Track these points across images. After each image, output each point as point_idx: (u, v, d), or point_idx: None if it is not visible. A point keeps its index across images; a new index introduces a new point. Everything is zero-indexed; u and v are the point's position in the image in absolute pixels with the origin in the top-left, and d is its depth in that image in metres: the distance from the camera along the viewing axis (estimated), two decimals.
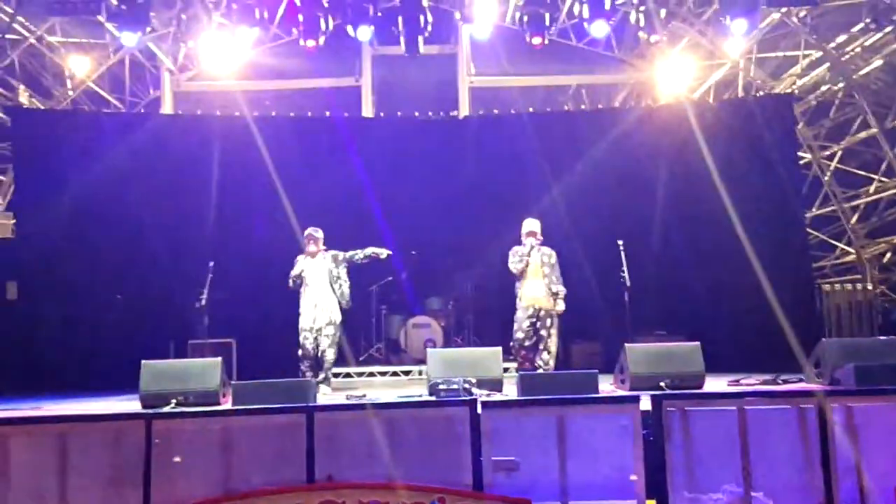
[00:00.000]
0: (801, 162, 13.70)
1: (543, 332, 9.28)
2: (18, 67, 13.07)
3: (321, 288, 9.24)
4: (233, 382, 7.32)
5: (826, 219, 14.31)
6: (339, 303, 9.32)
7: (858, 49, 13.19)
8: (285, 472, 6.29)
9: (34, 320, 11.84)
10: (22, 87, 13.28)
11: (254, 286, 11.56)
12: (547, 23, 12.60)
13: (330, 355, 9.24)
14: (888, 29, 12.41)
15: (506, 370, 8.31)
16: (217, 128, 13.07)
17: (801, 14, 12.91)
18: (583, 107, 15.26)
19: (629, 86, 15.40)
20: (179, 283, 10.82)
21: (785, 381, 8.04)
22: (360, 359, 12.00)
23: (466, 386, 6.92)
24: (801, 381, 8.03)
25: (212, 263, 9.62)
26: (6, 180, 13.48)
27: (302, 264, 9.29)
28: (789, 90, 13.64)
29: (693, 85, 14.71)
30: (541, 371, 9.05)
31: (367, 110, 14.46)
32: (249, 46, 12.85)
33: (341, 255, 9.42)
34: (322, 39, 12.19)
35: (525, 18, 12.55)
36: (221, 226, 12.33)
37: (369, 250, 9.49)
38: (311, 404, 6.76)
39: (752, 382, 8.03)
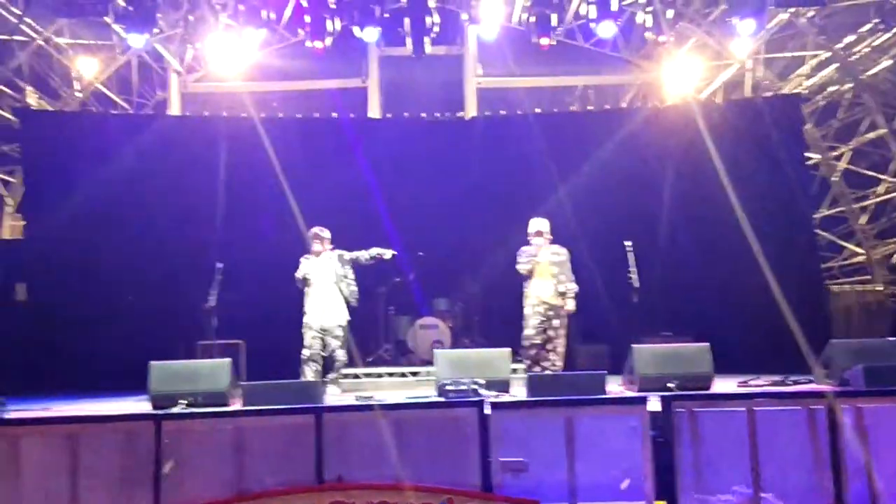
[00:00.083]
0: (810, 162, 13.69)
1: (551, 333, 9.27)
2: (27, 69, 13.12)
3: (327, 288, 9.25)
4: (242, 383, 7.36)
5: (835, 219, 14.28)
6: (347, 301, 9.34)
7: (867, 49, 13.17)
8: (295, 473, 6.32)
9: (43, 321, 11.88)
10: (30, 88, 13.34)
11: (262, 287, 11.57)
12: (554, 23, 12.61)
13: (342, 356, 9.26)
14: None
15: (514, 371, 8.32)
16: (224, 129, 13.12)
17: (809, 14, 12.90)
18: (590, 107, 15.26)
19: (636, 86, 15.38)
20: (188, 285, 10.84)
21: (794, 382, 8.04)
22: (369, 360, 11.98)
23: (474, 387, 6.92)
24: (810, 382, 8.02)
25: (220, 264, 9.64)
26: (15, 182, 13.54)
27: (306, 265, 9.29)
28: (797, 91, 13.62)
29: (700, 85, 14.68)
30: (549, 372, 9.05)
31: (374, 111, 14.47)
32: (256, 48, 12.87)
33: (346, 254, 9.43)
34: (329, 41, 12.22)
35: (532, 19, 12.56)
36: (229, 227, 12.36)
37: (374, 251, 9.51)
38: (320, 405, 6.79)
39: (760, 383, 8.03)
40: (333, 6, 11.98)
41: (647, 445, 6.46)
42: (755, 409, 6.53)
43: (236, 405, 7.08)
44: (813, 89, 13.90)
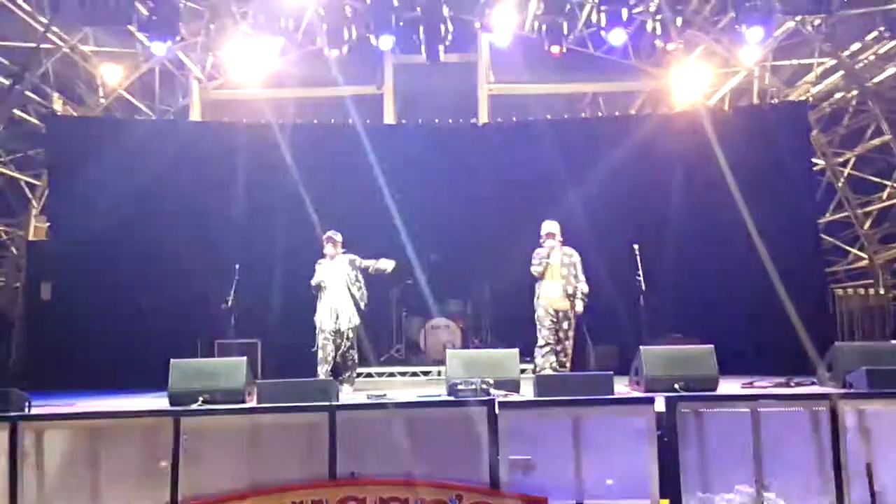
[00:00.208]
0: (815, 168, 13.60)
1: (561, 334, 9.29)
2: (53, 76, 13.21)
3: (340, 290, 9.28)
4: (258, 381, 7.39)
5: (839, 224, 14.20)
6: (358, 304, 9.38)
7: (872, 57, 13.11)
8: (308, 469, 6.35)
9: (67, 320, 11.98)
10: (56, 94, 13.42)
11: (278, 288, 11.63)
12: (565, 31, 12.63)
13: (353, 357, 9.32)
14: None
15: (523, 371, 8.33)
16: (243, 134, 13.18)
17: (816, 22, 12.83)
18: (600, 114, 15.24)
19: (645, 93, 15.37)
20: (207, 285, 10.91)
21: (798, 384, 8.01)
22: (381, 359, 12.03)
23: (484, 386, 6.93)
24: (813, 384, 8.00)
25: (238, 266, 9.70)
26: (41, 185, 13.63)
27: (322, 272, 9.32)
28: (804, 97, 13.56)
29: (708, 92, 14.67)
30: (557, 372, 9.05)
31: (389, 117, 14.52)
32: (275, 55, 12.91)
33: (358, 260, 9.46)
34: (345, 48, 12.29)
35: (543, 27, 12.58)
36: (248, 229, 12.42)
37: (380, 264, 9.50)
38: (333, 403, 6.81)
39: (765, 385, 8.01)
40: (350, 15, 12.05)
41: (653, 445, 6.45)
42: (759, 410, 6.51)
43: (252, 402, 7.12)
44: (819, 96, 13.83)
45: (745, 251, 11.77)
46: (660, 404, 6.58)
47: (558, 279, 9.27)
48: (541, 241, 9.43)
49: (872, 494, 6.22)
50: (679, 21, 12.38)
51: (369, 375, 11.28)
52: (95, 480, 6.32)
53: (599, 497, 6.32)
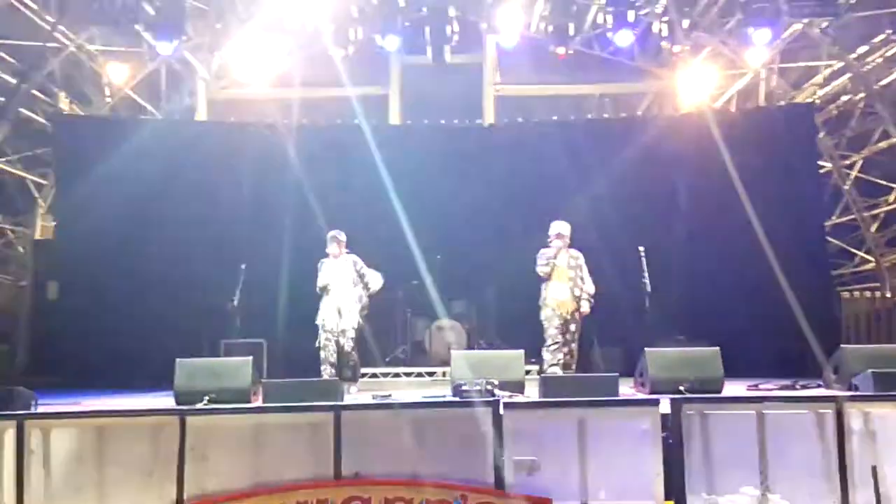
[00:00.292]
0: (822, 171, 13.61)
1: (568, 336, 9.28)
2: (59, 75, 13.25)
3: (344, 290, 9.28)
4: (263, 381, 7.42)
5: (846, 227, 14.17)
6: (364, 296, 9.38)
7: (880, 60, 13.09)
8: (313, 468, 6.34)
9: (74, 319, 12.05)
10: (63, 94, 13.45)
11: (284, 288, 11.66)
12: (571, 33, 12.67)
13: (354, 356, 9.31)
14: None
15: (528, 372, 8.34)
16: (249, 135, 13.23)
17: (823, 25, 12.82)
18: (606, 115, 15.25)
19: (652, 95, 15.37)
20: (213, 285, 10.93)
21: (803, 387, 8.03)
22: (387, 360, 12.05)
23: (489, 387, 6.95)
24: (819, 386, 8.01)
25: (244, 266, 9.73)
26: (47, 184, 13.68)
27: (327, 272, 9.32)
28: (810, 100, 13.55)
29: (715, 94, 14.66)
30: (562, 373, 9.05)
31: (395, 118, 14.55)
32: (281, 56, 12.96)
33: (360, 262, 9.45)
34: (351, 49, 12.33)
35: (550, 29, 12.61)
36: (253, 229, 12.45)
37: (371, 283, 9.50)
38: (338, 403, 6.83)
39: (770, 387, 8.02)
40: (356, 16, 12.09)
41: (658, 446, 6.44)
42: (764, 412, 6.48)
43: (257, 402, 7.14)
44: (826, 99, 13.82)
45: (751, 253, 11.77)
46: (665, 406, 6.57)
47: (565, 281, 9.26)
48: (548, 241, 9.43)
49: (878, 497, 6.21)
50: (686, 23, 12.43)
51: (374, 376, 11.30)
52: (101, 478, 6.33)
53: (604, 498, 6.32)
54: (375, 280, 9.54)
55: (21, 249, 13.70)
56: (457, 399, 6.96)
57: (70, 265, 12.49)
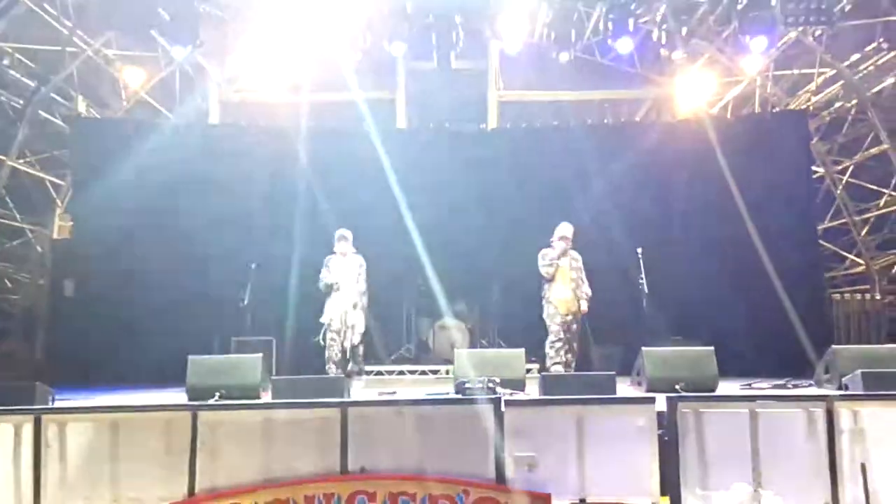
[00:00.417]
0: (815, 176, 13.60)
1: (569, 335, 9.30)
2: (77, 79, 13.27)
3: (350, 288, 9.28)
4: (273, 378, 7.44)
5: (838, 231, 14.16)
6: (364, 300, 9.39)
7: (872, 68, 13.08)
8: (320, 463, 6.38)
9: (90, 317, 12.05)
10: (80, 97, 13.47)
11: (293, 288, 11.65)
12: (573, 40, 12.66)
13: (361, 350, 9.32)
14: None
15: (528, 371, 8.36)
16: (260, 137, 13.25)
17: (817, 33, 12.82)
18: (606, 120, 15.24)
19: (651, 101, 15.35)
20: (224, 284, 10.95)
21: (795, 386, 8.03)
22: (392, 358, 12.07)
23: (491, 385, 6.95)
24: (811, 385, 8.01)
25: (254, 265, 9.74)
26: (65, 185, 13.70)
27: (335, 270, 9.29)
28: (804, 107, 13.55)
29: (712, 100, 14.66)
30: (562, 372, 9.07)
31: (401, 122, 14.56)
32: (292, 60, 12.97)
33: (364, 266, 9.44)
34: (359, 55, 12.34)
35: (552, 36, 12.60)
36: (264, 230, 12.45)
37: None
38: (345, 399, 6.85)
39: (763, 386, 8.02)
40: (365, 22, 12.08)
41: (654, 443, 6.46)
42: (757, 410, 6.51)
43: (267, 398, 7.17)
44: (819, 105, 13.80)
45: (746, 255, 11.80)
46: (661, 404, 6.60)
47: (567, 282, 9.30)
48: (551, 242, 9.42)
49: (867, 493, 6.23)
50: (684, 31, 12.40)
51: (380, 373, 11.33)
52: (116, 471, 6.37)
53: (602, 493, 6.35)
54: (362, 284, 9.54)
55: (39, 249, 13.73)
56: (460, 396, 6.97)
57: (86, 264, 12.51)
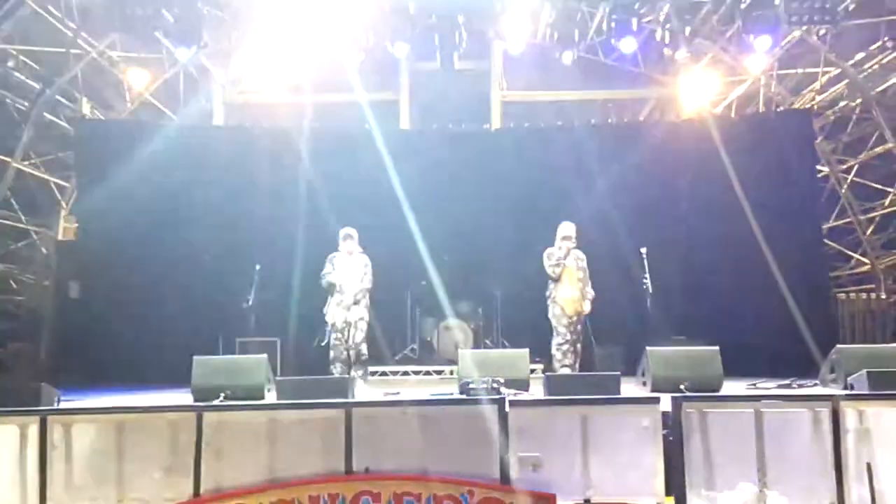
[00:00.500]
0: (820, 175, 13.57)
1: (574, 335, 9.28)
2: (81, 80, 13.30)
3: (353, 287, 9.24)
4: (277, 378, 7.44)
5: (843, 230, 14.12)
6: (368, 299, 9.38)
7: (876, 67, 13.04)
8: (325, 463, 6.37)
9: (95, 318, 12.10)
10: (84, 98, 13.50)
11: (297, 288, 11.68)
12: (576, 40, 12.66)
13: (364, 350, 9.27)
14: None
15: (532, 371, 8.35)
16: (264, 138, 13.26)
17: (821, 32, 12.79)
18: (610, 120, 15.23)
19: (654, 100, 15.36)
20: (229, 285, 10.97)
21: (800, 386, 8.01)
22: (396, 358, 12.08)
23: (495, 385, 6.94)
24: (816, 385, 7.99)
25: (258, 266, 9.75)
26: (70, 187, 13.73)
27: (340, 268, 9.25)
28: (808, 106, 13.52)
29: (716, 100, 14.64)
30: (566, 372, 9.06)
31: (405, 122, 14.57)
32: (295, 61, 12.99)
33: (370, 265, 9.42)
34: (363, 55, 12.35)
35: (555, 36, 12.59)
36: (268, 231, 12.48)
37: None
38: (349, 400, 6.85)
39: (768, 386, 8.00)
40: (368, 23, 12.09)
41: (659, 443, 6.45)
42: (762, 410, 6.49)
43: (271, 399, 7.17)
44: (824, 104, 13.77)
45: (751, 255, 11.77)
46: (665, 404, 6.58)
47: (574, 281, 9.27)
48: (557, 242, 9.38)
49: (872, 493, 6.21)
50: (687, 30, 12.38)
51: (384, 374, 11.33)
52: (121, 472, 6.38)
53: (606, 494, 6.33)
54: (367, 282, 9.50)
55: (44, 250, 13.74)
56: (464, 397, 6.96)
57: (91, 265, 12.55)
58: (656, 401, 6.63)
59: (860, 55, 13.08)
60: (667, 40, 12.49)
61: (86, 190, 12.84)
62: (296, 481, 6.22)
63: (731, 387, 7.67)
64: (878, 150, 13.47)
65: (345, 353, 9.17)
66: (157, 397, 8.20)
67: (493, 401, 6.62)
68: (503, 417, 6.48)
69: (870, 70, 13.11)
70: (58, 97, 13.09)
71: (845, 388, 7.15)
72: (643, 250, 9.62)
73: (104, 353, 11.51)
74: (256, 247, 11.73)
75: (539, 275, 9.46)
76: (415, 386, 10.28)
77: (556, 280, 9.28)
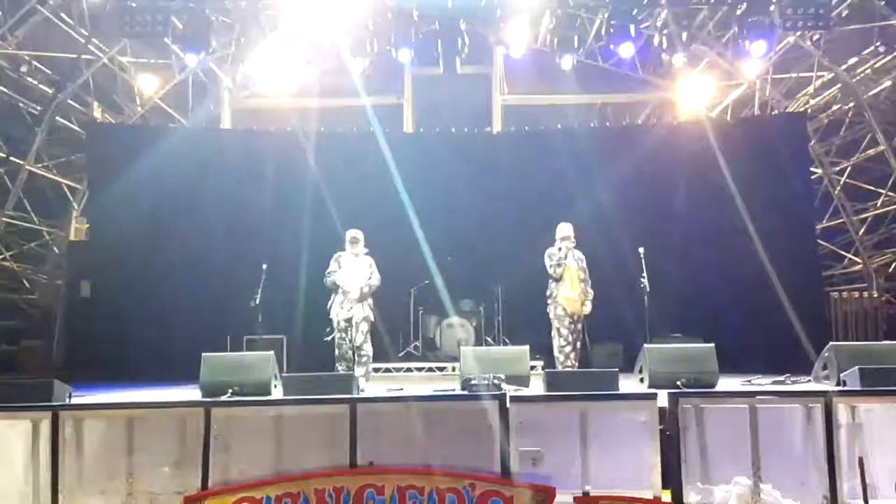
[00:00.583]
0: (813, 177, 13.58)
1: (575, 335, 9.27)
2: (93, 85, 13.34)
3: (357, 287, 9.23)
4: (283, 375, 7.45)
5: (836, 230, 14.14)
6: (372, 299, 9.37)
7: (869, 71, 13.07)
8: (330, 458, 6.36)
9: (106, 316, 12.12)
10: (95, 103, 13.54)
11: (303, 287, 11.68)
12: (576, 45, 12.67)
13: (368, 350, 9.25)
14: None
15: (532, 368, 8.36)
16: (271, 142, 13.31)
17: (815, 37, 12.81)
18: (608, 124, 15.24)
19: (652, 104, 15.37)
20: (236, 284, 10.96)
21: (794, 382, 8.01)
22: (399, 355, 12.09)
23: (496, 382, 6.95)
24: (809, 381, 7.99)
25: (265, 266, 9.75)
26: (81, 188, 13.77)
27: (344, 269, 9.23)
28: (803, 109, 13.53)
29: (712, 103, 14.65)
30: (565, 369, 9.05)
31: (408, 126, 14.58)
32: (301, 67, 13.01)
33: (374, 266, 9.40)
34: (367, 61, 12.37)
35: (556, 41, 12.59)
36: (274, 231, 12.48)
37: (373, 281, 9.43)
38: (354, 396, 6.86)
39: (763, 382, 8.00)
40: (372, 28, 12.10)
41: (656, 438, 6.44)
42: (757, 406, 6.47)
43: (278, 395, 7.18)
44: (817, 108, 13.79)
45: (746, 255, 11.79)
46: (662, 400, 6.57)
47: (575, 281, 9.23)
48: (556, 242, 9.37)
49: (864, 487, 6.20)
50: (684, 36, 12.39)
51: (388, 370, 11.34)
52: (131, 466, 6.38)
53: (604, 487, 6.33)
54: (375, 280, 9.48)
55: (56, 250, 13.79)
56: (465, 393, 6.97)
57: (102, 265, 12.58)
58: (654, 397, 6.62)
59: (853, 60, 13.10)
60: (664, 45, 12.50)
61: (97, 191, 12.89)
62: (301, 475, 6.22)
63: (726, 383, 7.69)
64: (871, 152, 13.48)
65: (349, 351, 9.15)
66: (167, 393, 8.22)
67: (495, 397, 6.61)
68: (504, 413, 6.47)
69: (862, 74, 13.14)
70: (70, 101, 13.14)
71: (838, 384, 7.15)
72: (641, 250, 9.60)
73: (114, 351, 11.51)
74: (263, 246, 11.69)
75: (539, 274, 9.45)
76: (418, 382, 10.29)
77: (558, 280, 9.24)
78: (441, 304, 12.22)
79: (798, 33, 12.26)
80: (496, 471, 6.33)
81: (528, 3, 11.92)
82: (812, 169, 13.52)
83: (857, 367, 6.86)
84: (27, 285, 13.73)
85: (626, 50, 11.91)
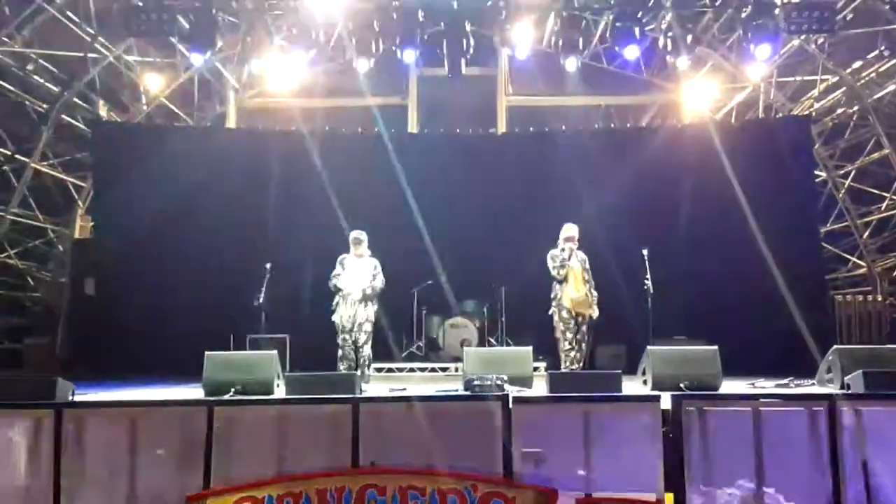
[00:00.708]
0: (818, 180, 13.53)
1: (580, 336, 9.20)
2: (99, 84, 13.35)
3: (360, 289, 9.20)
4: (286, 374, 7.42)
5: (840, 234, 14.10)
6: (376, 301, 9.33)
7: (873, 74, 13.04)
8: (332, 457, 6.35)
9: (110, 314, 12.11)
10: (101, 101, 13.57)
11: (307, 287, 11.66)
12: (581, 47, 12.63)
13: (368, 351, 9.21)
14: None
15: (535, 369, 8.31)
16: (276, 141, 13.29)
17: (820, 41, 12.77)
18: (613, 125, 15.20)
19: (656, 106, 15.33)
20: (240, 283, 10.92)
21: (798, 385, 7.96)
22: (402, 355, 12.05)
23: (499, 382, 6.92)
24: (813, 385, 7.94)
25: (268, 265, 9.73)
26: (86, 186, 13.77)
27: (349, 271, 9.18)
28: (807, 112, 13.49)
29: (716, 106, 14.62)
30: (569, 370, 9.00)
31: (413, 127, 14.56)
32: (307, 67, 13.00)
33: (379, 267, 9.37)
34: (373, 61, 12.34)
35: (560, 43, 12.56)
36: (279, 231, 12.47)
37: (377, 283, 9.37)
38: (357, 395, 6.84)
39: (766, 385, 7.96)
40: (377, 29, 12.08)
41: (659, 441, 6.41)
42: (760, 409, 6.45)
43: (280, 394, 7.16)
44: (822, 111, 13.75)
45: (750, 257, 11.73)
46: (665, 402, 6.54)
47: (580, 282, 9.15)
48: (561, 243, 9.31)
49: (868, 490, 6.17)
50: (689, 38, 12.35)
51: (391, 370, 11.30)
52: (133, 464, 6.37)
53: (607, 489, 6.30)
54: (379, 282, 9.44)
55: (60, 248, 13.81)
56: (468, 393, 6.93)
57: (106, 263, 12.57)
58: (657, 399, 6.59)
59: (858, 63, 13.08)
60: (669, 48, 12.43)
61: (102, 190, 12.89)
62: (303, 474, 6.20)
63: (730, 386, 7.63)
64: (875, 155, 13.45)
65: (352, 352, 9.13)
66: (169, 392, 8.19)
67: (497, 397, 6.59)
68: (507, 414, 6.45)
69: (867, 78, 13.11)
70: (76, 100, 13.16)
71: (842, 387, 7.09)
72: (645, 252, 9.55)
73: (118, 349, 11.52)
74: (267, 245, 11.73)
75: (543, 275, 9.38)
76: (420, 382, 10.24)
77: (562, 281, 9.16)
78: (445, 305, 12.20)
79: (803, 36, 12.25)
80: (498, 472, 6.31)
81: (534, 5, 11.89)
82: (816, 172, 13.49)
83: (861, 371, 6.82)
84: (32, 283, 13.75)
85: (631, 52, 11.88)
